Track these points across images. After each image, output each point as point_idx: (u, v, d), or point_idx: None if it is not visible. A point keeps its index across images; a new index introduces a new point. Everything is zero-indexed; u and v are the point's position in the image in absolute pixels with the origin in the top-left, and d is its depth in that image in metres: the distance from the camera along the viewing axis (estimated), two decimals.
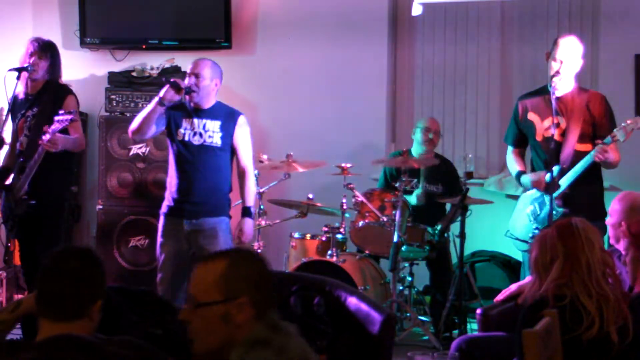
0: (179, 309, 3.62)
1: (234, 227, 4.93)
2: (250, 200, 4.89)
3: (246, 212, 4.87)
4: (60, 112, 4.86)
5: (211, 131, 4.76)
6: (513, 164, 4.73)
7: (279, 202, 5.76)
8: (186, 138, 4.75)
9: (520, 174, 4.63)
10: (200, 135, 4.75)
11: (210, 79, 4.76)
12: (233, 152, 4.85)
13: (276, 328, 2.14)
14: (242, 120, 4.87)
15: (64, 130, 4.88)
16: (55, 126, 4.78)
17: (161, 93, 4.67)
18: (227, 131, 4.79)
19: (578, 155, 4.43)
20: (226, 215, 4.84)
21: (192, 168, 4.74)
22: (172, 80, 4.73)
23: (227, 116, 4.83)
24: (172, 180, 4.82)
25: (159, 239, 4.83)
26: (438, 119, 6.02)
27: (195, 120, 4.76)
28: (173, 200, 4.77)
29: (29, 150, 4.96)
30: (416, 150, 5.72)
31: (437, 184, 5.69)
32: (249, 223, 4.87)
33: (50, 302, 2.31)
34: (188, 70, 4.83)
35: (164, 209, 4.84)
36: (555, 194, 4.37)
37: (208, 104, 4.81)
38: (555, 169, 4.39)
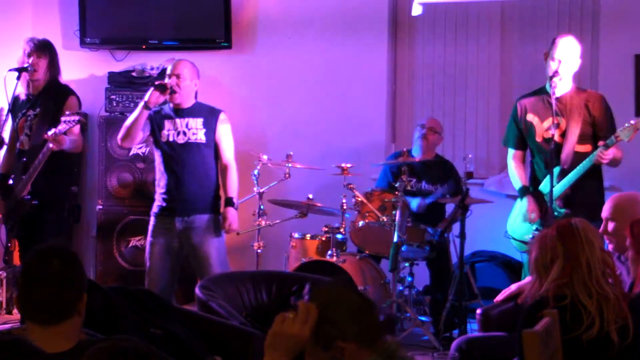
0: (179, 310, 3.64)
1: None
2: (233, 191, 5.01)
3: (229, 202, 4.98)
4: (67, 112, 4.87)
5: (195, 128, 4.89)
6: (516, 176, 4.69)
7: (279, 202, 5.75)
8: (170, 138, 4.88)
9: (522, 190, 4.61)
10: (184, 133, 4.88)
11: (190, 79, 4.92)
12: (216, 148, 4.96)
13: (391, 358, 2.17)
14: (223, 116, 5.01)
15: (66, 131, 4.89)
16: (62, 127, 4.80)
17: (146, 97, 4.80)
18: (210, 127, 4.92)
19: (578, 156, 4.42)
20: (217, 213, 4.96)
21: (179, 167, 4.86)
22: (156, 82, 4.87)
23: (208, 113, 4.97)
24: (160, 181, 4.94)
25: (149, 238, 4.91)
26: (438, 119, 6.01)
27: (178, 120, 4.89)
28: (164, 199, 4.88)
29: (32, 150, 4.96)
30: (415, 150, 5.71)
31: (436, 184, 5.67)
32: (232, 212, 4.97)
33: (38, 308, 2.30)
34: (167, 72, 4.95)
35: (154, 209, 4.97)
36: (557, 194, 4.37)
37: (188, 103, 4.95)
38: (556, 170, 4.38)
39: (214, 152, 4.97)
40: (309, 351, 2.19)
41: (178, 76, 4.87)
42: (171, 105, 4.92)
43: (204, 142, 4.90)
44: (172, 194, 4.85)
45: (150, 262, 4.86)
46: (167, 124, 4.90)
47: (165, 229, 4.85)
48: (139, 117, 4.79)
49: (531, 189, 4.63)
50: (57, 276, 2.30)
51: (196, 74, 4.99)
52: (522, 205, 4.57)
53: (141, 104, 4.80)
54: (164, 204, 4.87)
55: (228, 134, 5.04)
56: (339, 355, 2.15)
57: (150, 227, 4.94)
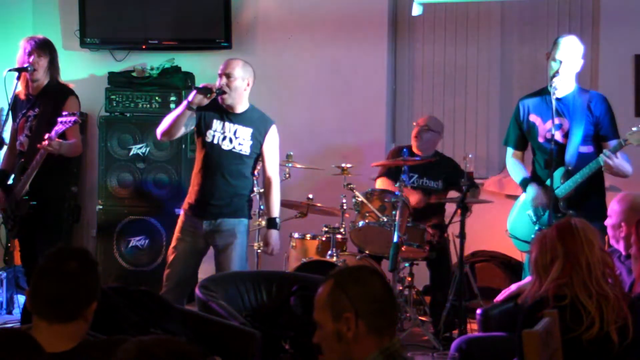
0: (179, 310, 3.65)
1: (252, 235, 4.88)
2: (276, 211, 4.80)
3: (272, 223, 4.79)
4: (64, 113, 4.85)
5: (242, 138, 4.67)
6: (516, 170, 4.68)
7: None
8: (215, 141, 4.66)
9: (525, 181, 4.60)
10: (231, 140, 4.66)
11: (242, 79, 4.65)
12: (258, 158, 4.79)
13: (392, 357, 2.18)
14: (273, 129, 4.77)
15: (62, 133, 4.88)
16: (59, 127, 4.78)
17: (190, 97, 4.57)
18: (257, 140, 4.71)
19: (582, 157, 4.41)
20: (246, 217, 4.77)
21: (217, 171, 4.66)
22: (201, 86, 4.63)
23: (259, 123, 4.74)
24: (196, 178, 4.74)
25: (176, 234, 4.73)
26: (437, 117, 6.01)
27: (227, 124, 4.67)
28: (195, 199, 4.71)
29: (31, 151, 4.96)
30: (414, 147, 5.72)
31: (437, 180, 5.67)
32: (274, 235, 4.78)
33: (47, 303, 2.32)
34: (219, 71, 4.70)
35: (185, 205, 4.77)
36: (561, 195, 4.37)
37: (241, 107, 4.70)
38: (560, 170, 4.38)
39: (255, 162, 4.78)
40: (320, 321, 2.21)
41: (228, 76, 4.61)
42: (224, 106, 4.66)
43: (247, 154, 4.68)
44: (205, 196, 4.67)
45: (174, 256, 4.75)
46: (215, 125, 4.66)
47: (193, 228, 4.71)
48: (181, 116, 4.57)
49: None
50: (71, 276, 2.33)
51: (249, 74, 4.70)
52: (528, 194, 4.53)
53: (184, 103, 4.59)
54: (194, 203, 4.71)
55: (275, 147, 4.79)
56: (345, 329, 2.17)
57: (179, 223, 4.75)
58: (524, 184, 4.58)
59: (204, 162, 4.71)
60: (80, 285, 2.33)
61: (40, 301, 2.34)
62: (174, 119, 4.60)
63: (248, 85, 4.69)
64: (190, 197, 4.76)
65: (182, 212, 4.78)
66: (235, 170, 4.69)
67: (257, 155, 4.76)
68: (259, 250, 5.51)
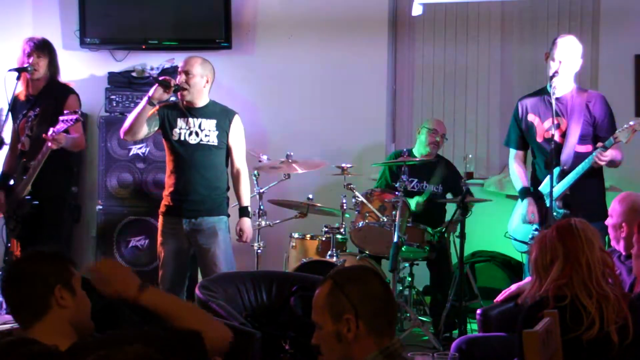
0: None
1: (233, 227, 4.94)
2: (246, 200, 4.93)
3: (243, 212, 4.91)
4: (65, 112, 4.87)
5: (207, 130, 4.78)
6: (517, 177, 4.70)
7: (279, 202, 5.75)
8: (182, 137, 4.77)
9: (524, 191, 4.62)
10: (197, 134, 4.77)
11: (200, 76, 4.77)
12: (227, 151, 4.87)
13: (391, 357, 2.18)
14: (237, 119, 4.89)
15: (65, 131, 4.89)
16: (60, 126, 4.80)
17: (150, 92, 4.68)
18: (223, 129, 4.81)
19: (579, 157, 4.42)
20: (225, 214, 4.87)
21: (189, 167, 4.76)
22: (160, 78, 4.76)
23: (222, 114, 4.85)
24: (169, 180, 4.84)
25: (159, 238, 4.85)
26: (440, 120, 6.01)
27: (191, 120, 4.77)
28: (172, 199, 4.79)
29: (32, 150, 4.97)
30: (419, 150, 5.71)
31: (437, 185, 5.68)
32: (247, 223, 4.91)
33: (12, 313, 2.39)
34: (179, 69, 4.86)
35: (162, 208, 4.87)
36: (556, 195, 4.37)
37: (201, 102, 4.82)
38: (556, 170, 4.38)
39: (226, 154, 4.87)
40: (319, 322, 2.21)
41: (187, 73, 4.74)
42: (184, 102, 4.79)
43: (215, 144, 4.78)
44: (180, 195, 4.76)
45: (163, 258, 4.83)
46: (180, 122, 4.77)
47: (173, 230, 4.78)
48: (142, 112, 4.66)
49: (531, 190, 4.63)
50: (15, 280, 2.37)
51: (208, 71, 4.82)
52: (522, 207, 4.58)
53: (145, 98, 4.68)
54: (172, 204, 4.79)
55: (241, 137, 4.90)
56: (345, 330, 2.17)
57: (160, 227, 4.86)
58: (522, 194, 4.61)
59: (175, 162, 4.80)
60: (21, 286, 2.35)
61: (10, 312, 2.41)
62: (136, 116, 4.70)
63: (207, 82, 4.81)
64: (166, 200, 4.85)
65: (160, 216, 4.86)
66: (206, 162, 4.79)
67: (226, 146, 4.84)
68: (259, 251, 5.51)
